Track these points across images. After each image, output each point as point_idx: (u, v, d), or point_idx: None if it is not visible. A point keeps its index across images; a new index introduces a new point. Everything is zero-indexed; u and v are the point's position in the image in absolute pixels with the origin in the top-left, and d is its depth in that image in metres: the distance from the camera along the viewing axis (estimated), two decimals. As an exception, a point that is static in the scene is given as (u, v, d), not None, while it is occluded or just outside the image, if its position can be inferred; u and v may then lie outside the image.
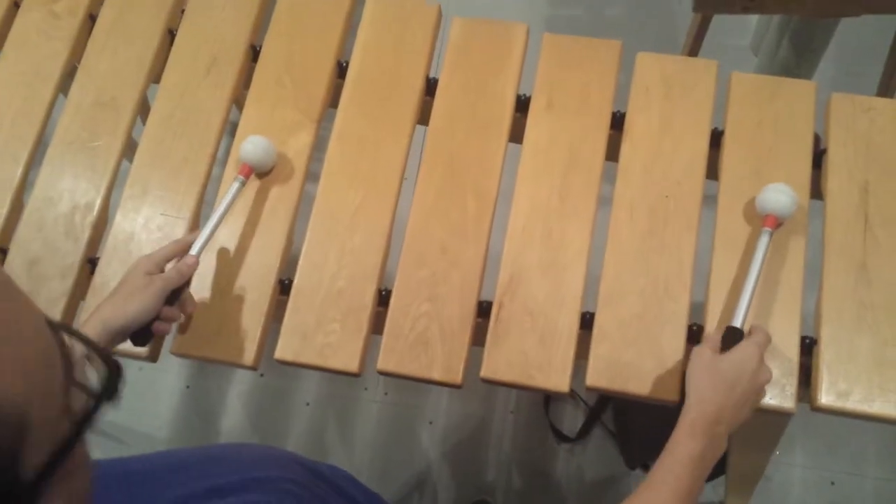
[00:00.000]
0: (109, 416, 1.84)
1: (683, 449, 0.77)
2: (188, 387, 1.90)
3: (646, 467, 1.73)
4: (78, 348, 0.40)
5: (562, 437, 1.78)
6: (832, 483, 1.73)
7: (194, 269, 0.95)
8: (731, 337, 0.88)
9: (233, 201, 1.01)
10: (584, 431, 1.78)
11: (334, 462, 1.76)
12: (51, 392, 0.34)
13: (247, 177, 1.03)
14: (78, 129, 1.13)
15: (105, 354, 0.42)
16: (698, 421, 0.78)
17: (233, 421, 1.85)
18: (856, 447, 1.74)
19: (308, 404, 1.86)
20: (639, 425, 1.70)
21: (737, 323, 0.89)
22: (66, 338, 0.38)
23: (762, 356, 0.84)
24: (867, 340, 0.94)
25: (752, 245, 0.99)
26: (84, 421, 0.35)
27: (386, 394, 1.85)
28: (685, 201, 1.02)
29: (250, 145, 1.04)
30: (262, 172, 1.08)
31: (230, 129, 1.13)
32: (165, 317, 0.91)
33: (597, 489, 1.75)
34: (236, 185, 1.01)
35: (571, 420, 1.80)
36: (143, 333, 0.89)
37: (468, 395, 1.82)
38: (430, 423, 1.82)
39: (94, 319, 0.84)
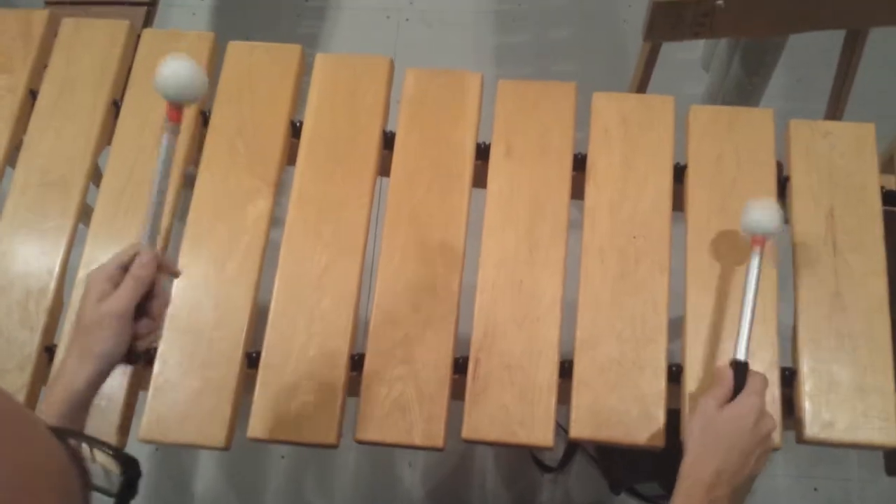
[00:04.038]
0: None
1: None
2: (157, 449, 1.84)
3: (631, 491, 1.72)
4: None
5: (544, 468, 1.76)
6: (815, 489, 1.73)
7: (153, 266, 0.76)
8: (740, 372, 0.82)
9: (170, 158, 0.79)
10: (566, 459, 1.76)
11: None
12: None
13: (178, 121, 0.78)
14: (25, 211, 1.09)
15: (118, 453, 0.40)
16: (694, 490, 0.76)
17: (207, 482, 1.80)
18: (837, 451, 1.75)
19: (283, 457, 1.82)
20: (620, 448, 1.69)
21: (740, 355, 0.84)
22: (75, 443, 0.39)
23: (762, 405, 0.80)
24: (847, 368, 0.94)
25: (724, 279, 0.98)
26: None
27: (363, 439, 1.82)
28: (654, 241, 1.01)
29: (168, 75, 0.75)
30: (192, 101, 0.79)
31: (188, 183, 1.09)
32: (141, 334, 0.76)
33: (584, 518, 1.73)
34: (168, 135, 0.78)
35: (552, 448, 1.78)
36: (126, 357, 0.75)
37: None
38: (410, 465, 1.79)
39: (57, 388, 0.71)
